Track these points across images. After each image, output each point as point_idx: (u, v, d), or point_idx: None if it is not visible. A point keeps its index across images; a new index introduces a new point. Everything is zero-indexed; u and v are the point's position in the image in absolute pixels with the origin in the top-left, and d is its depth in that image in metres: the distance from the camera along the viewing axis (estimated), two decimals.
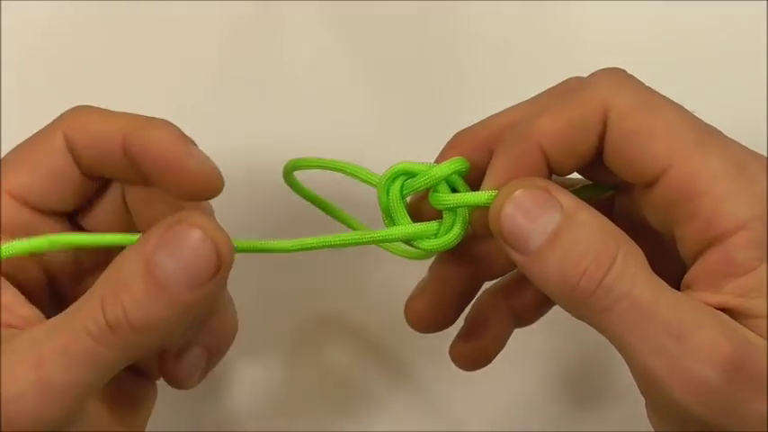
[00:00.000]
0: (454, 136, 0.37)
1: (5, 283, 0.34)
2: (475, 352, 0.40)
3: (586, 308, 0.31)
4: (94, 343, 0.31)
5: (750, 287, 0.31)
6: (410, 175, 0.35)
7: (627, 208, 0.37)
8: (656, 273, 0.32)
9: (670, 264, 0.33)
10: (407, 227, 0.35)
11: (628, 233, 0.32)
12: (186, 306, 0.32)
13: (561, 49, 0.50)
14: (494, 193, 0.33)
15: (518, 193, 0.32)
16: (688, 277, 0.32)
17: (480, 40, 0.51)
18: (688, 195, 0.31)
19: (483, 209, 0.34)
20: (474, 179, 0.35)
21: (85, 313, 0.32)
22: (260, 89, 0.50)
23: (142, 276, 0.31)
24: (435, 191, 0.35)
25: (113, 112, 0.35)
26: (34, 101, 0.49)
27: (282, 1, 0.51)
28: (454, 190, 0.35)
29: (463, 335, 0.40)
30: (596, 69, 0.34)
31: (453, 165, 0.35)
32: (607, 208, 0.37)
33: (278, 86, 0.50)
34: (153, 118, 0.35)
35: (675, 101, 0.33)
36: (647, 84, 0.34)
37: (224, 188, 0.36)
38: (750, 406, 0.30)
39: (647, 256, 0.32)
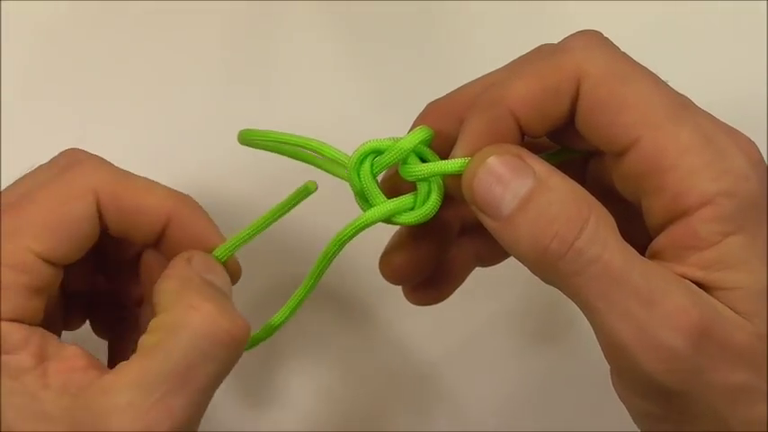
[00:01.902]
0: (426, 107, 0.37)
1: (45, 332, 0.33)
2: (432, 290, 0.40)
3: (557, 272, 0.31)
4: (213, 364, 0.32)
5: (713, 260, 0.31)
6: (378, 152, 0.35)
7: (599, 174, 0.37)
8: (628, 239, 0.32)
9: (639, 231, 0.33)
10: (384, 205, 0.35)
11: (599, 199, 0.32)
12: None
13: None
14: (465, 160, 0.33)
15: (491, 159, 0.32)
16: (654, 246, 0.32)
17: (478, 38, 0.51)
18: (656, 169, 0.31)
19: (457, 175, 0.34)
20: (447, 148, 0.35)
21: (192, 339, 0.32)
22: (260, 88, 0.50)
23: (214, 289, 0.34)
24: (405, 163, 0.35)
25: (150, 183, 0.36)
26: (34, 100, 0.50)
27: (284, 0, 0.51)
28: (423, 160, 0.35)
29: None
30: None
31: (419, 135, 0.35)
32: (580, 174, 0.37)
33: (278, 85, 0.50)
34: (189, 200, 0.36)
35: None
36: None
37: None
38: (715, 374, 0.31)
39: (619, 222, 0.32)
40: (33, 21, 0.50)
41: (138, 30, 0.51)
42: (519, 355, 0.50)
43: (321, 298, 0.38)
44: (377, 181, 0.35)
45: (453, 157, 0.34)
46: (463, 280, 0.40)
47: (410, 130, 0.36)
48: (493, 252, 0.40)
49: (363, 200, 0.36)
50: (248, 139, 0.37)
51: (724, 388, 0.31)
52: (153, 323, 0.33)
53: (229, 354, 0.33)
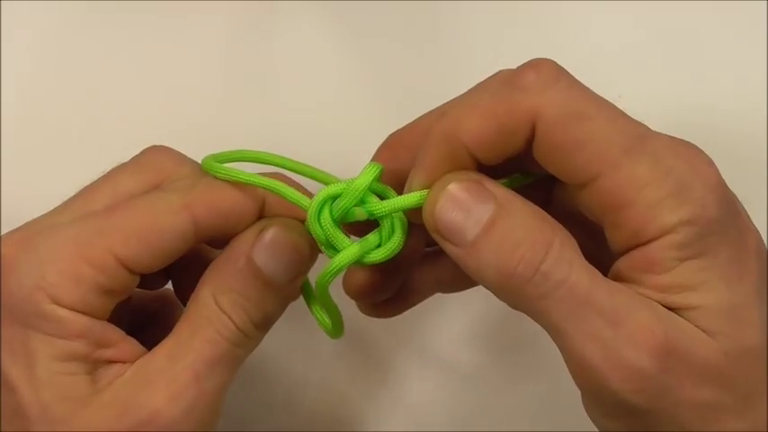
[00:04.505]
0: (388, 137, 0.37)
1: (108, 326, 0.35)
2: (387, 308, 0.40)
3: (523, 296, 0.32)
4: (232, 346, 0.35)
5: (669, 284, 0.31)
6: (334, 197, 0.35)
7: (564, 196, 0.37)
8: (592, 260, 0.32)
9: (605, 252, 0.33)
10: (351, 249, 0.35)
11: (565, 220, 0.33)
12: (294, 292, 0.37)
13: (560, 49, 0.49)
14: (424, 192, 0.34)
15: (451, 186, 0.33)
16: (614, 268, 0.33)
17: (479, 38, 0.51)
18: (615, 205, 0.31)
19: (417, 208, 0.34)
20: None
21: (213, 321, 0.35)
22: (260, 88, 0.51)
23: (252, 279, 0.35)
24: (364, 202, 0.35)
25: (238, 185, 0.36)
26: (34, 101, 0.50)
27: (284, 1, 0.51)
28: (380, 195, 0.35)
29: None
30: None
31: (370, 173, 0.35)
32: (546, 195, 0.37)
33: (278, 85, 0.51)
34: (279, 177, 0.37)
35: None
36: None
37: None
38: (683, 392, 0.31)
39: (583, 243, 0.32)
40: (33, 21, 0.51)
41: (137, 30, 0.51)
42: (485, 360, 0.50)
43: (294, 305, 0.39)
44: (339, 226, 0.35)
45: (410, 189, 0.34)
46: (420, 302, 0.41)
47: (373, 159, 0.36)
48: (454, 280, 0.40)
49: (329, 247, 0.36)
50: (210, 167, 0.37)
51: (692, 405, 0.31)
52: (186, 309, 0.36)
53: (237, 340, 0.35)
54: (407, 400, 0.49)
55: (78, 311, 0.33)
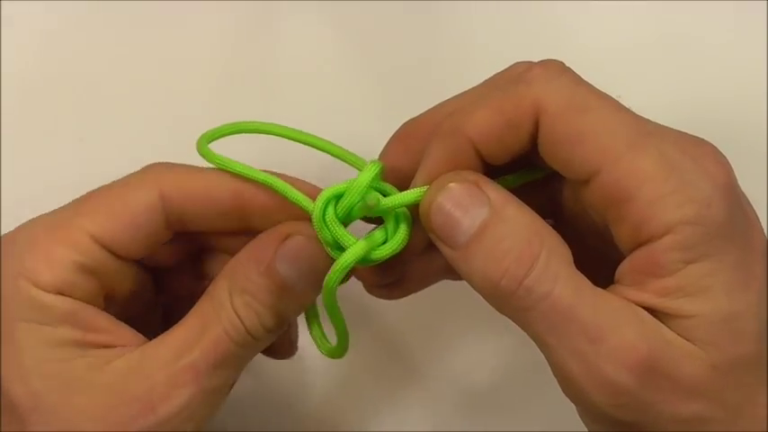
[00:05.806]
0: (401, 127, 0.37)
1: (99, 311, 0.35)
2: (394, 290, 0.39)
3: (509, 306, 0.32)
4: (238, 347, 0.34)
5: (672, 288, 0.31)
6: (338, 196, 0.35)
7: (571, 197, 0.36)
8: (601, 261, 0.32)
9: (615, 250, 0.33)
10: (358, 246, 0.35)
11: (574, 222, 0.33)
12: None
13: (563, 51, 0.49)
14: (424, 189, 0.33)
15: (450, 185, 0.32)
16: (618, 271, 0.32)
17: (480, 38, 0.51)
18: (617, 199, 0.31)
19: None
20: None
21: (223, 320, 0.34)
22: (261, 90, 0.51)
23: (270, 285, 0.35)
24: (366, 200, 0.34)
25: (207, 169, 0.36)
26: (34, 101, 0.50)
27: (283, 1, 0.51)
28: (382, 193, 0.35)
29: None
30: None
31: (371, 170, 0.34)
32: (555, 192, 0.37)
33: (278, 87, 0.51)
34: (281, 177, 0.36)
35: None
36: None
37: None
38: (665, 407, 0.30)
39: (592, 244, 0.32)
40: (33, 22, 0.51)
41: (137, 30, 0.51)
42: (500, 348, 0.49)
43: None
44: (343, 225, 0.35)
45: (414, 185, 0.34)
46: (427, 286, 0.40)
47: (384, 149, 0.36)
48: None
49: (335, 248, 0.35)
50: (204, 153, 0.36)
51: (676, 420, 0.31)
52: (200, 300, 0.35)
53: (245, 342, 0.35)
54: (411, 401, 0.49)
55: (61, 294, 0.33)
